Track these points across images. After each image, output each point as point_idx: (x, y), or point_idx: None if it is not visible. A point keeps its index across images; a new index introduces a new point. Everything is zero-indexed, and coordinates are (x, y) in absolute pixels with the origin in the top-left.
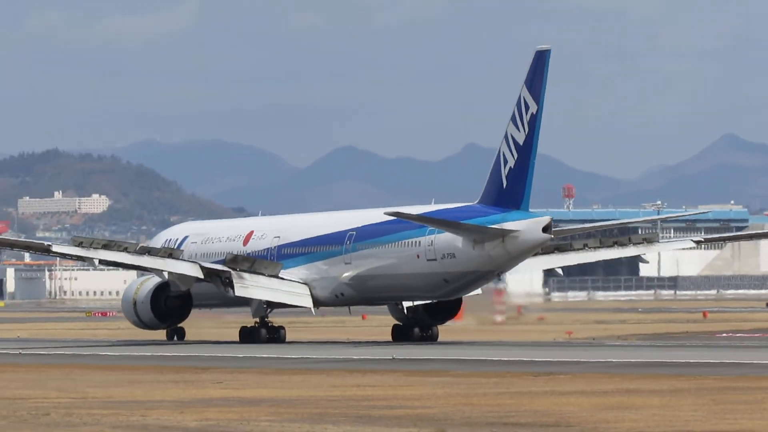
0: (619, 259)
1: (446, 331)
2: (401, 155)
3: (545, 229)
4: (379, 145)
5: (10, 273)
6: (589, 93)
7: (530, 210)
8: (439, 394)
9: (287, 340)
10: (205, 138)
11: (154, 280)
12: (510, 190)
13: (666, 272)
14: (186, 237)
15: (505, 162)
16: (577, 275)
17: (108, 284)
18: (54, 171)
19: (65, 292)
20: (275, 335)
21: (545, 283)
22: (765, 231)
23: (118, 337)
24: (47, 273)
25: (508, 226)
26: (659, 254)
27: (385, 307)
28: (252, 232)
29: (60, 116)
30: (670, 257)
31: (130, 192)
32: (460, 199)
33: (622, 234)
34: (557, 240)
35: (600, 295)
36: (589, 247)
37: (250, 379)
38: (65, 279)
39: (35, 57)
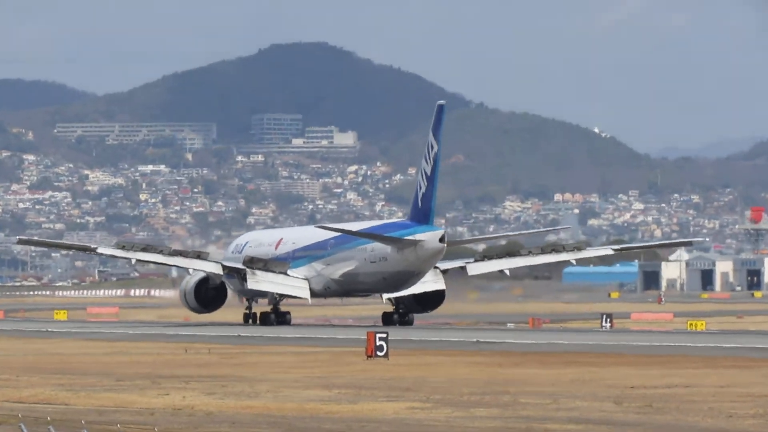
0: None
1: None
2: None
3: (441, 240)
4: None
5: None
6: None
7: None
8: None
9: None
10: None
11: (197, 276)
12: (422, 210)
13: None
14: (247, 242)
15: (420, 188)
16: None
17: None
18: None
19: None
20: (282, 319)
21: None
22: (682, 240)
23: None
24: None
25: (417, 237)
26: None
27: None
28: (281, 239)
29: None
30: None
31: None
32: None
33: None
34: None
35: None
36: (533, 254)
37: None
38: None
39: None
